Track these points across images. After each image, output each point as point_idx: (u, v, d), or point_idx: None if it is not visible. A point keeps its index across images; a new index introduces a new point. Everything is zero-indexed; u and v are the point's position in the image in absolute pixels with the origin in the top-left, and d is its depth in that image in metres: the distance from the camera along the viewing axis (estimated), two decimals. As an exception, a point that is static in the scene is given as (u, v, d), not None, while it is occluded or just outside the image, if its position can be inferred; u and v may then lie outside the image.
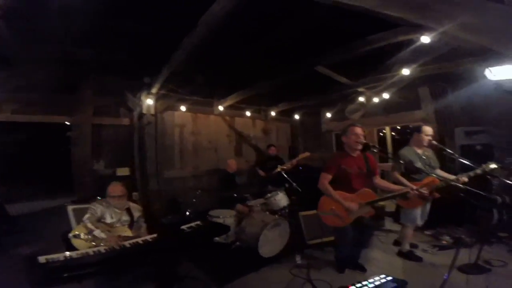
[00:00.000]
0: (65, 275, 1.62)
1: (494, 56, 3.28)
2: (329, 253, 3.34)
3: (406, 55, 3.66)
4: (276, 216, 3.83)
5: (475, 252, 2.80)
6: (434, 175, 2.86)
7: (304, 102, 6.10)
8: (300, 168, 5.93)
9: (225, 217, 3.70)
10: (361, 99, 5.70)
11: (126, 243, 2.35)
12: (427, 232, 3.86)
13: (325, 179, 2.85)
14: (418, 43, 3.01)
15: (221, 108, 5.75)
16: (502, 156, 3.85)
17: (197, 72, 5.00)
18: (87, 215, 2.50)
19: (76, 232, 2.31)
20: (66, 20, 2.89)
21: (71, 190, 3.91)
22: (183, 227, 2.79)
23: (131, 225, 2.73)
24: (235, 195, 4.14)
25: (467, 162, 2.75)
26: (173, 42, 3.68)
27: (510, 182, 2.94)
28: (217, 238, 3.42)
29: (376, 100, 5.38)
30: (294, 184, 4.35)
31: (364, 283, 2.45)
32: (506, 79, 3.27)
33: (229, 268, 3.04)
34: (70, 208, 2.73)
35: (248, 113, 6.19)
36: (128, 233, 2.62)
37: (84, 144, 4.24)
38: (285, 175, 4.50)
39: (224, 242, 3.58)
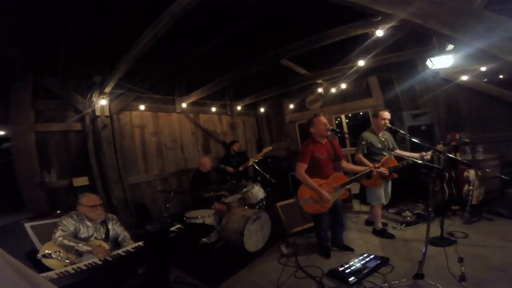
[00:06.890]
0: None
1: (432, 48, 3.78)
2: (311, 239, 3.49)
3: (361, 47, 3.98)
4: (256, 209, 3.87)
5: (436, 226, 2.97)
6: (393, 154, 3.20)
7: (268, 94, 6.17)
8: (269, 159, 6.08)
9: (204, 217, 3.59)
10: (320, 90, 6.03)
11: (108, 257, 2.15)
12: (391, 211, 4.20)
13: (302, 168, 2.95)
14: (373, 37, 3.29)
15: (184, 105, 5.51)
16: (442, 133, 4.49)
17: (155, 68, 4.69)
18: (59, 233, 2.20)
19: (47, 252, 2.02)
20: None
21: (21, 207, 3.36)
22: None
23: (107, 238, 2.49)
24: (211, 193, 4.04)
25: (417, 141, 2.98)
26: (126, 36, 3.34)
27: (454, 156, 3.46)
28: (205, 239, 3.32)
29: (333, 90, 5.74)
30: (267, 175, 4.44)
31: (351, 263, 2.66)
32: (442, 68, 3.80)
33: (219, 268, 2.97)
34: (28, 225, 2.36)
35: (213, 109, 6.03)
36: (105, 246, 2.39)
37: (29, 155, 3.65)
38: (258, 168, 4.57)
39: (208, 243, 3.49)
